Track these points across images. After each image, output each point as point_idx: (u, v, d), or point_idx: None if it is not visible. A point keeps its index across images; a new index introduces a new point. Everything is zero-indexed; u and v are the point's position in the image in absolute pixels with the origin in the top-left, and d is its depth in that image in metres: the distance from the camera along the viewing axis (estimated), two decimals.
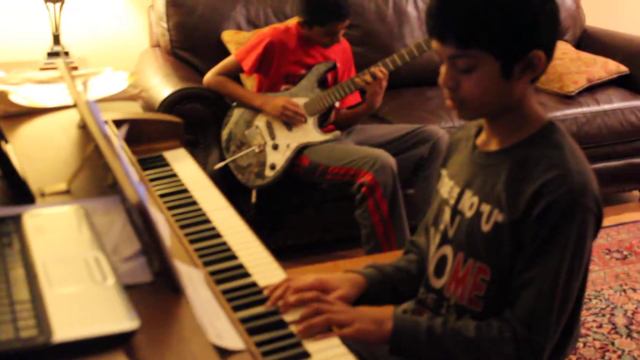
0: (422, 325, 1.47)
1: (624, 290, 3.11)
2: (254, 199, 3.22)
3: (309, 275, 1.57)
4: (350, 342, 1.41)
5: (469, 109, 1.47)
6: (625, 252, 3.45)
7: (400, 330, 1.47)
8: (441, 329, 1.46)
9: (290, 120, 3.16)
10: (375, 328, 1.47)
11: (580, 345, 2.73)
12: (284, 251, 3.19)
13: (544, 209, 1.38)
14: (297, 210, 3.41)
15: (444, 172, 1.65)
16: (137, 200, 1.14)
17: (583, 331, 2.80)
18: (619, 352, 2.70)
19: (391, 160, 2.99)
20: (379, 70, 3.10)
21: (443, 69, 1.44)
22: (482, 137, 1.56)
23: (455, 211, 1.55)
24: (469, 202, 1.51)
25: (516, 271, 1.43)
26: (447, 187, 1.60)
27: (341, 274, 1.64)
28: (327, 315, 1.42)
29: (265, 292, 1.49)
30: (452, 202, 1.57)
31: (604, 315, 2.93)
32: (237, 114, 3.24)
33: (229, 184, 3.16)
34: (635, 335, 2.80)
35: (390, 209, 2.97)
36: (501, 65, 1.39)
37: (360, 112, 3.33)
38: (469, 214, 1.51)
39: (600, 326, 2.86)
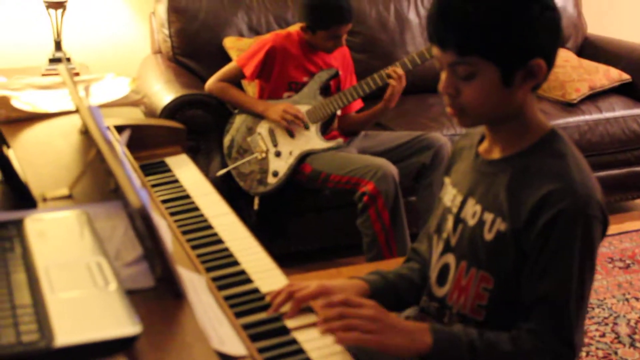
0: (462, 339, 1.41)
1: (627, 300, 3.10)
2: (256, 205, 3.21)
3: (311, 281, 1.55)
4: (353, 349, 1.40)
5: (469, 116, 1.45)
6: (628, 261, 3.44)
7: (441, 344, 1.40)
8: (479, 342, 1.40)
9: (290, 125, 3.15)
10: (407, 342, 1.38)
11: (583, 354, 2.72)
12: (286, 258, 3.18)
13: (549, 220, 1.36)
14: (299, 217, 3.40)
15: (447, 180, 1.64)
16: (139, 205, 1.13)
17: (586, 340, 2.79)
18: None
19: (393, 169, 2.99)
20: (393, 70, 3.11)
21: (443, 76, 1.43)
22: (485, 145, 1.55)
23: (458, 219, 1.54)
24: (472, 211, 1.51)
25: (526, 285, 1.41)
26: (450, 195, 1.59)
27: (344, 280, 1.63)
28: (352, 323, 1.36)
29: (267, 298, 1.48)
30: (454, 210, 1.56)
31: (606, 324, 2.92)
32: (238, 120, 3.24)
33: (230, 191, 3.15)
34: (638, 344, 2.79)
35: (391, 218, 2.97)
36: (501, 73, 1.38)
37: (374, 113, 3.31)
38: (471, 222, 1.50)
39: (603, 335, 2.85)
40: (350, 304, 1.40)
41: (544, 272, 1.39)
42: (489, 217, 1.46)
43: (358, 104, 3.37)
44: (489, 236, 1.45)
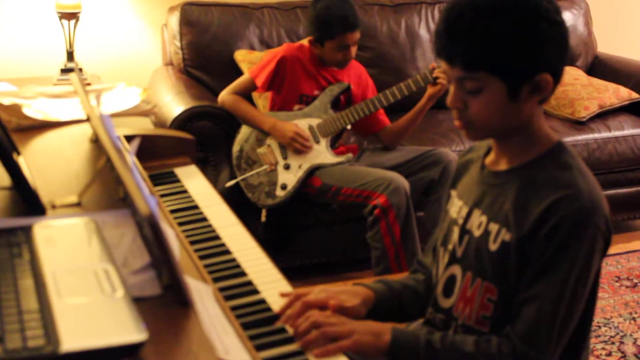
0: (421, 338, 1.47)
1: (634, 319, 3.09)
2: (263, 217, 3.21)
3: (319, 289, 1.56)
4: (352, 356, 1.41)
5: (477, 130, 1.47)
6: (635, 280, 3.42)
7: (398, 342, 1.47)
8: (440, 343, 1.46)
9: (297, 151, 3.16)
10: (373, 339, 1.46)
11: None
12: (293, 271, 3.18)
13: (553, 226, 1.38)
14: (306, 231, 3.40)
15: (453, 193, 1.66)
16: (148, 212, 1.14)
17: (592, 359, 2.78)
18: None
19: (405, 183, 2.99)
20: (438, 71, 3.10)
21: (451, 90, 1.46)
22: (491, 157, 1.57)
23: (464, 231, 1.55)
24: (478, 222, 1.52)
25: (520, 287, 1.43)
26: (456, 207, 1.61)
27: (351, 287, 1.64)
28: (323, 329, 1.42)
29: (276, 309, 1.49)
30: (460, 221, 1.57)
31: (613, 343, 2.91)
32: (247, 130, 3.23)
33: (238, 202, 3.15)
34: None
35: (402, 232, 2.96)
36: (508, 88, 1.40)
37: (411, 118, 3.30)
38: (477, 233, 1.51)
39: (609, 354, 2.83)
40: (313, 306, 1.50)
41: (540, 273, 1.40)
42: (494, 227, 1.47)
43: (384, 119, 3.36)
44: (493, 247, 1.46)
